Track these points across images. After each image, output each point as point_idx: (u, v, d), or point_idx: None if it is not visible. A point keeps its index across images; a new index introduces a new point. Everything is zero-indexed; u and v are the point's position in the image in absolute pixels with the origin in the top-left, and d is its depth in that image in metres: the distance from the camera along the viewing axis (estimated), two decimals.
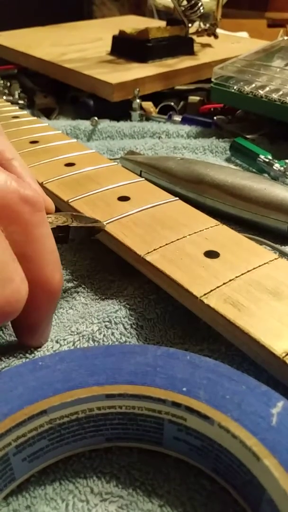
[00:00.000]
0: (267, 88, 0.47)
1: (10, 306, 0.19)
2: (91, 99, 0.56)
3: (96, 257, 0.30)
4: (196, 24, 0.68)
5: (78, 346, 0.23)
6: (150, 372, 0.18)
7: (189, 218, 0.28)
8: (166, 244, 0.26)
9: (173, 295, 0.24)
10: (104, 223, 0.27)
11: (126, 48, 0.62)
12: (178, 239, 0.26)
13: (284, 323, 0.21)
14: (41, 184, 0.32)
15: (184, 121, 0.54)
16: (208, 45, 0.70)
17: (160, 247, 0.26)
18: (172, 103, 0.58)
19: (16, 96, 0.62)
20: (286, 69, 0.50)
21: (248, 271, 0.24)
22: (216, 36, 0.70)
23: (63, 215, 0.26)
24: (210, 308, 0.22)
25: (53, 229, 0.24)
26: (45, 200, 0.26)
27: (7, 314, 0.19)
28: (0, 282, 0.18)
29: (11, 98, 0.61)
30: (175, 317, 0.25)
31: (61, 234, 0.25)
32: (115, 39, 0.64)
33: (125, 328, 0.24)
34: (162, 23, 0.71)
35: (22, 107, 0.57)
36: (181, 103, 0.59)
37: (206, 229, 0.27)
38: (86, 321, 0.24)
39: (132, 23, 0.79)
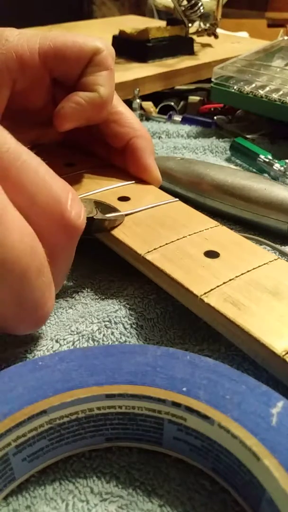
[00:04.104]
0: (267, 88, 0.47)
1: (36, 326, 0.22)
2: None
3: (96, 257, 0.30)
4: (196, 24, 0.68)
5: (77, 346, 0.23)
6: (150, 372, 0.18)
7: (189, 219, 0.28)
8: (166, 244, 0.26)
9: (173, 295, 0.24)
10: (123, 214, 0.28)
11: (126, 48, 0.62)
12: (178, 239, 0.26)
13: (284, 322, 0.21)
14: None
15: (184, 121, 0.54)
16: (208, 45, 0.70)
17: (160, 246, 0.26)
18: (172, 103, 0.58)
19: None
20: (286, 69, 0.50)
21: (248, 271, 0.24)
22: (216, 36, 0.69)
23: (88, 203, 0.25)
24: (210, 307, 0.22)
25: None
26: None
27: (32, 330, 0.23)
28: (35, 307, 0.20)
29: None
30: (175, 317, 0.25)
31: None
32: (115, 39, 0.64)
33: (125, 328, 0.24)
34: (162, 23, 0.71)
35: None
36: (181, 103, 0.59)
37: (206, 229, 0.27)
38: (86, 321, 0.24)
39: (132, 23, 0.79)
